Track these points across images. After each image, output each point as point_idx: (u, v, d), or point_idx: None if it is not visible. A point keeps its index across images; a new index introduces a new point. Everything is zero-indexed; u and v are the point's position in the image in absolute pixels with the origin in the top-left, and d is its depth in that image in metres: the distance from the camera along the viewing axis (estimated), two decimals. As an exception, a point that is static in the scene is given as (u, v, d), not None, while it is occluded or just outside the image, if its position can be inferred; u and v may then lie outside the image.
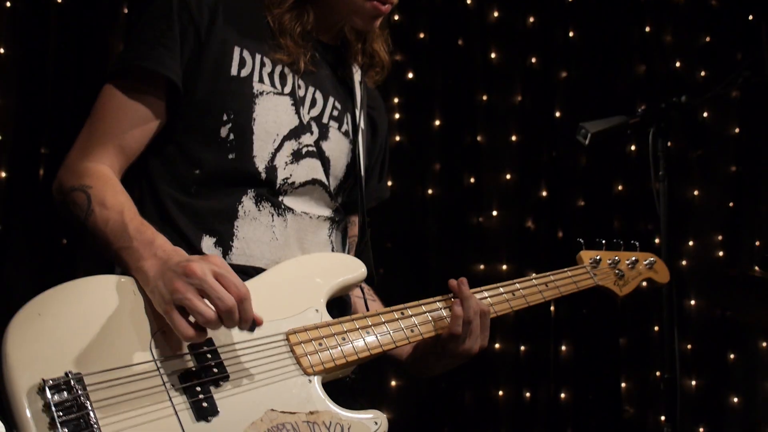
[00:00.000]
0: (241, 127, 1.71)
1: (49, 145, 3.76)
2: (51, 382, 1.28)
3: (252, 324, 1.45)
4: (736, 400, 4.45)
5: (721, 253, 4.64)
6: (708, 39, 4.84)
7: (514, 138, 4.70)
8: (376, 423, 1.52)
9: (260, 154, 1.73)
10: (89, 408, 1.28)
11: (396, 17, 4.54)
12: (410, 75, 4.56)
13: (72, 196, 1.60)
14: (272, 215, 1.74)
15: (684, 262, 4.59)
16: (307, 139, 1.81)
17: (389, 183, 4.40)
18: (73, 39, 3.79)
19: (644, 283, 2.36)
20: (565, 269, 2.09)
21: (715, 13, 4.86)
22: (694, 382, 4.43)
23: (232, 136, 1.71)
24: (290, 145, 1.77)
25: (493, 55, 4.71)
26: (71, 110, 3.69)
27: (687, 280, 4.57)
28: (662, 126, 2.87)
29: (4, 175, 3.67)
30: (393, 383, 4.25)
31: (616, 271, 2.19)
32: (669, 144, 2.91)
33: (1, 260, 3.58)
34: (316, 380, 1.53)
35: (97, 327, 1.38)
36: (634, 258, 2.24)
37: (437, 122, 4.60)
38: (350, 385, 1.72)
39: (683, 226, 4.62)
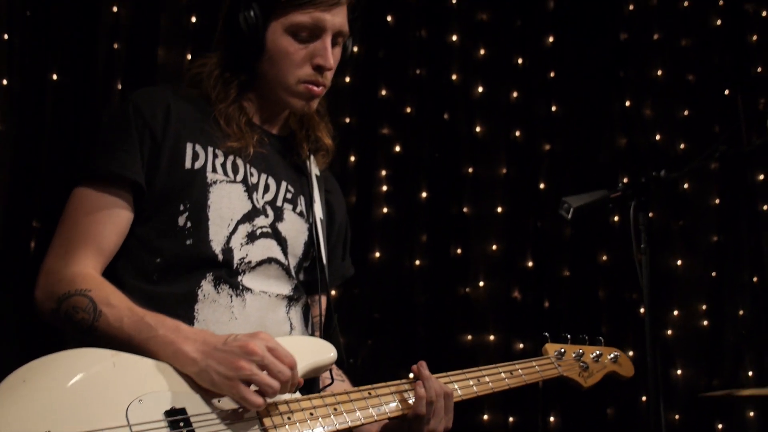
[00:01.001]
0: (197, 215, 1.81)
1: (41, 219, 3.80)
2: None
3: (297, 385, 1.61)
4: (724, 470, 4.44)
5: (705, 323, 4.68)
6: (686, 113, 4.98)
7: (499, 209, 4.78)
8: None
9: (216, 237, 1.82)
10: None
11: (383, 92, 4.66)
12: (397, 148, 4.65)
13: (71, 302, 1.65)
14: (231, 296, 1.81)
15: (669, 332, 4.63)
16: (261, 221, 1.90)
17: (376, 254, 4.47)
18: (69, 115, 3.87)
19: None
20: (531, 359, 2.17)
21: (692, 88, 5.01)
22: (683, 453, 4.42)
23: (189, 224, 1.80)
24: (244, 228, 1.86)
25: (478, 129, 4.83)
26: (65, 186, 3.74)
27: (672, 349, 4.60)
28: (643, 200, 2.94)
29: (-5, 249, 3.69)
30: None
31: (581, 364, 2.26)
32: (651, 215, 2.99)
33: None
34: None
35: (77, 393, 1.45)
36: (598, 351, 2.31)
37: (424, 194, 4.67)
38: None
39: (667, 296, 4.67)
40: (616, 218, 4.77)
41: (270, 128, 2.04)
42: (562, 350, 2.25)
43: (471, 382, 1.97)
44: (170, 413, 1.51)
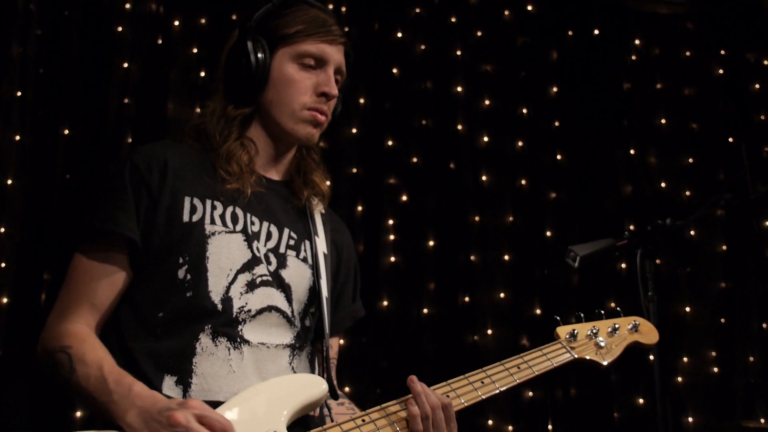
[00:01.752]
0: (195, 267, 1.83)
1: (51, 271, 3.84)
2: None
3: None
4: None
5: (715, 369, 4.66)
6: (691, 160, 5.02)
7: (506, 257, 4.79)
8: None
9: (215, 288, 1.83)
10: None
11: (390, 143, 4.72)
12: (404, 197, 4.69)
13: (54, 357, 1.73)
14: (228, 349, 1.80)
15: (679, 379, 4.61)
16: (262, 269, 1.90)
17: (384, 303, 4.48)
18: (79, 168, 3.93)
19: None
20: (539, 348, 2.04)
21: (696, 136, 5.07)
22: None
23: (188, 276, 1.82)
24: (244, 277, 1.87)
25: (484, 178, 4.87)
26: (74, 240, 3.78)
27: (683, 396, 4.58)
28: (649, 248, 2.97)
29: (5, 300, 3.72)
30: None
31: (597, 341, 2.10)
32: (658, 262, 3.00)
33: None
34: None
35: None
36: (615, 324, 2.14)
37: (431, 242, 4.69)
38: None
39: (677, 343, 4.66)
40: (623, 265, 4.78)
41: (270, 174, 2.07)
42: (575, 331, 2.09)
43: (475, 386, 1.89)
44: None
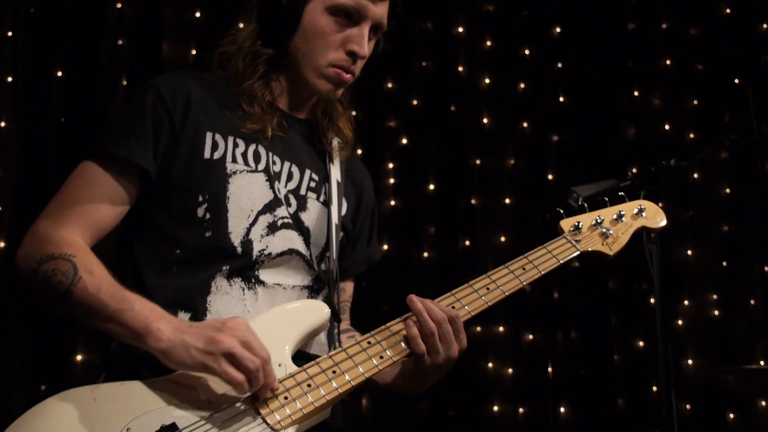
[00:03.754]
0: (216, 207, 1.77)
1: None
2: None
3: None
4: (736, 460, 4.42)
5: (716, 313, 4.66)
6: (696, 102, 4.95)
7: (507, 201, 4.76)
8: None
9: (235, 230, 1.79)
10: None
11: (389, 85, 4.64)
12: (404, 141, 4.64)
13: (52, 264, 1.59)
14: (243, 289, 1.78)
15: (680, 322, 4.61)
16: (283, 211, 1.86)
17: (384, 246, 4.45)
18: (74, 111, 3.87)
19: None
20: (543, 246, 1.96)
21: (701, 77, 4.98)
22: (694, 443, 4.40)
23: (208, 216, 1.77)
24: (265, 219, 1.83)
25: (485, 121, 4.80)
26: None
27: (683, 339, 4.58)
28: (653, 189, 2.92)
29: (3, 245, 3.69)
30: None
31: (602, 231, 2.01)
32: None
33: (-1, 330, 3.59)
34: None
35: None
36: (620, 211, 2.06)
37: (431, 186, 4.66)
38: (334, 427, 1.74)
39: (678, 286, 4.65)
40: (625, 209, 4.73)
41: (294, 112, 2.00)
42: (578, 223, 2.00)
43: (480, 293, 1.80)
44: None
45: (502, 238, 4.71)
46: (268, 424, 1.52)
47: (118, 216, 1.77)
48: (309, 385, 1.59)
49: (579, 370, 4.57)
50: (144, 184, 1.78)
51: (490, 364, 4.56)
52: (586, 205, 2.15)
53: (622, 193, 2.19)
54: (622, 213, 2.07)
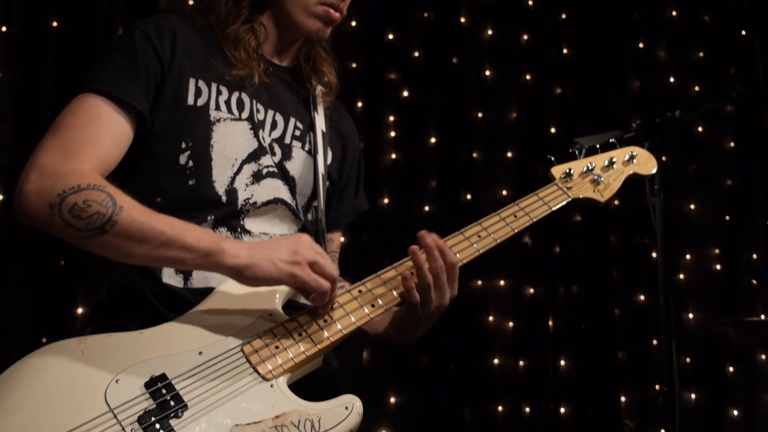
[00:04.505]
0: (199, 154, 1.74)
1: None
2: None
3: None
4: (735, 413, 4.44)
5: (718, 267, 4.65)
6: (701, 54, 4.88)
7: (509, 154, 4.72)
8: (346, 408, 1.49)
9: (219, 178, 1.75)
10: None
11: (390, 36, 4.57)
12: (405, 93, 4.58)
13: (82, 196, 1.48)
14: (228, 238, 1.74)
15: (681, 276, 4.60)
16: (267, 160, 1.83)
17: (385, 200, 4.43)
18: (70, 61, 3.81)
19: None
20: (534, 193, 1.95)
21: (707, 29, 4.91)
22: (693, 395, 4.42)
23: (191, 163, 1.73)
24: (249, 168, 1.80)
25: (487, 73, 4.74)
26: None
27: (684, 293, 4.58)
28: (657, 141, 2.88)
29: (1, 198, 3.67)
30: (392, 400, 4.24)
31: (593, 177, 2.02)
32: (664, 159, 2.92)
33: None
34: (279, 383, 1.51)
35: (51, 396, 1.39)
36: (612, 157, 2.07)
37: (433, 139, 4.61)
38: (326, 375, 1.72)
39: (680, 240, 4.63)
40: (628, 162, 4.70)
41: (277, 60, 1.97)
42: (569, 170, 2.01)
43: (471, 241, 1.79)
44: (150, 383, 1.44)
45: (504, 192, 4.68)
46: (259, 373, 1.51)
47: (121, 154, 1.69)
48: (300, 335, 1.58)
49: (580, 324, 4.58)
50: (137, 127, 1.73)
51: (491, 318, 4.56)
52: (577, 152, 2.15)
53: (613, 140, 2.18)
54: (613, 159, 2.07)
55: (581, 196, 2.00)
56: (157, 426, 1.39)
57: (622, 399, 4.48)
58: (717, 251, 4.68)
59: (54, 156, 1.56)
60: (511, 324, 4.58)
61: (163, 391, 1.44)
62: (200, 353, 1.49)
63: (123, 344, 1.49)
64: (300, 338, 1.57)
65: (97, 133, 1.63)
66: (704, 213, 4.70)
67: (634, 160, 2.11)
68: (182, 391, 1.45)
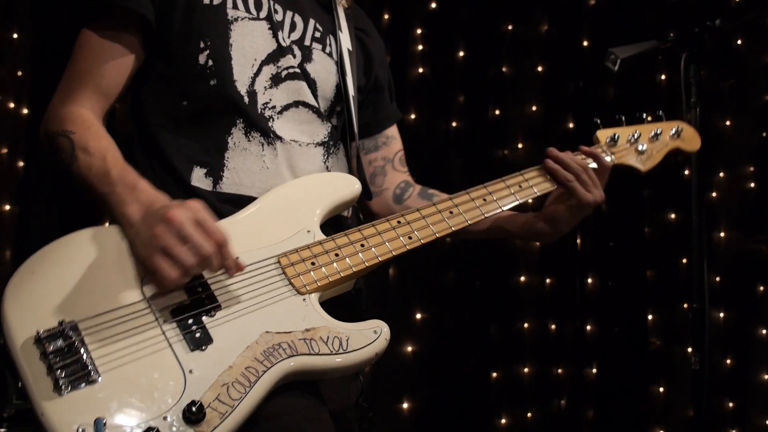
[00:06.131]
0: (218, 53, 1.71)
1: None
2: (45, 332, 1.35)
3: (234, 267, 1.47)
4: (764, 332, 4.41)
5: (752, 185, 4.54)
6: (743, -39, 4.67)
7: (540, 68, 4.61)
8: (375, 332, 1.51)
9: (240, 78, 1.73)
10: (84, 351, 1.34)
11: (419, -55, 4.43)
12: (433, 5, 4.46)
13: (56, 142, 1.61)
14: (262, 145, 1.73)
15: (714, 194, 4.51)
16: (288, 62, 1.79)
17: (411, 116, 4.36)
18: None
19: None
20: (574, 152, 1.94)
21: (751, -66, 4.68)
22: (722, 314, 4.39)
23: (210, 63, 1.71)
24: (269, 70, 1.76)
25: (518, -17, 4.60)
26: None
27: (717, 212, 4.50)
28: (695, 51, 2.77)
29: (26, 111, 3.65)
30: (418, 316, 4.26)
31: (638, 147, 2.02)
32: (702, 73, 2.82)
33: (25, 196, 3.59)
34: (312, 299, 1.54)
35: (87, 277, 1.44)
36: (658, 129, 2.06)
37: (461, 53, 4.51)
38: (355, 298, 1.73)
39: (714, 158, 4.52)
40: (662, 77, 4.57)
41: None
42: (615, 135, 2.00)
43: (510, 190, 1.85)
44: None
45: (533, 107, 4.59)
46: (293, 286, 1.53)
47: (126, 74, 1.72)
48: (336, 255, 1.60)
49: (608, 243, 4.53)
50: (146, 34, 1.71)
51: (517, 236, 4.53)
52: (624, 118, 2.10)
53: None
54: (659, 131, 2.07)
55: (624, 163, 2.00)
56: (190, 321, 1.42)
57: (649, 317, 4.47)
58: (752, 169, 4.57)
59: (58, 97, 1.69)
60: (538, 242, 4.55)
61: (199, 289, 1.47)
62: (237, 258, 1.48)
63: None
64: (336, 258, 1.60)
65: (96, 66, 1.68)
66: (740, 130, 4.57)
67: (680, 135, 2.11)
68: (216, 292, 1.48)
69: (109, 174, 1.54)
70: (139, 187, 1.53)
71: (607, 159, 1.95)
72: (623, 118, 2.07)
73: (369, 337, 1.50)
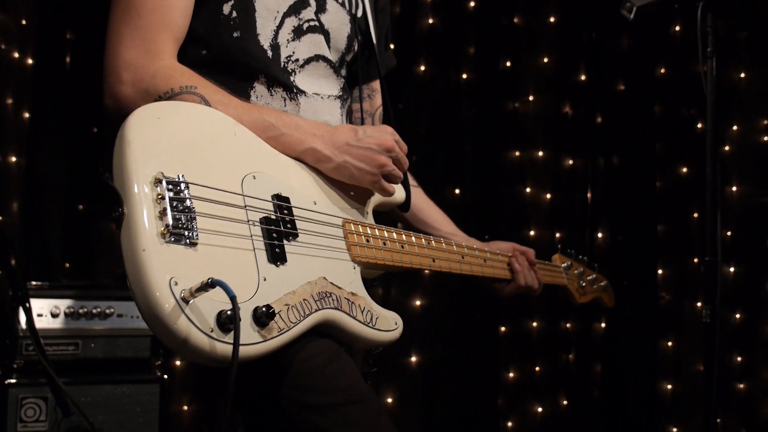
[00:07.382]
0: (243, 4, 1.69)
1: (74, 31, 3.69)
2: (168, 178, 1.35)
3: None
4: (774, 287, 4.39)
5: (766, 138, 4.48)
6: None
7: (552, 19, 4.53)
8: (395, 323, 1.66)
9: (263, 31, 1.71)
10: (194, 212, 1.35)
11: None
12: (444, -47, 4.37)
13: (184, 100, 1.50)
14: (284, 99, 1.73)
15: (727, 148, 4.45)
16: (308, 13, 1.77)
17: (422, 67, 4.30)
18: None
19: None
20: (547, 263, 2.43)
21: None
22: (732, 269, 4.36)
23: (234, 14, 1.69)
24: (291, 22, 1.74)
25: (531, -69, 4.49)
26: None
27: (728, 165, 4.44)
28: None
29: (31, 61, 3.60)
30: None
31: (581, 282, 2.53)
32: (709, 49, 2.76)
33: (32, 148, 3.56)
34: (358, 270, 1.65)
35: (204, 148, 1.45)
36: (595, 276, 2.59)
37: (472, 3, 4.43)
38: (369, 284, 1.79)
39: (727, 110, 4.45)
40: (677, 28, 4.48)
41: None
42: (569, 264, 2.50)
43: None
44: (277, 197, 1.54)
45: (545, 59, 4.52)
46: (350, 252, 1.65)
47: (189, 16, 1.65)
48: (384, 243, 1.75)
49: (619, 196, 4.50)
50: None
51: (528, 189, 4.50)
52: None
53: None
54: (595, 278, 2.61)
55: (570, 288, 2.51)
56: (274, 234, 1.48)
57: (659, 272, 4.45)
58: (766, 122, 4.49)
59: (136, 52, 1.54)
60: (548, 195, 4.52)
61: (285, 211, 1.53)
62: (315, 203, 1.61)
63: (267, 153, 1.58)
64: (384, 247, 1.74)
65: (167, 11, 1.59)
66: (755, 82, 4.48)
67: (606, 290, 2.66)
68: (298, 222, 1.55)
69: (265, 118, 1.57)
70: (302, 124, 1.61)
71: (563, 279, 2.47)
72: (573, 251, 2.58)
73: (391, 324, 1.65)
